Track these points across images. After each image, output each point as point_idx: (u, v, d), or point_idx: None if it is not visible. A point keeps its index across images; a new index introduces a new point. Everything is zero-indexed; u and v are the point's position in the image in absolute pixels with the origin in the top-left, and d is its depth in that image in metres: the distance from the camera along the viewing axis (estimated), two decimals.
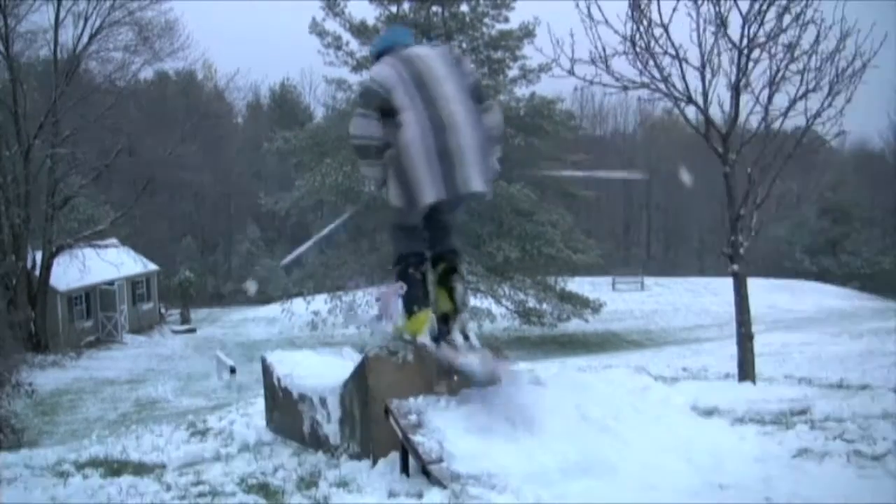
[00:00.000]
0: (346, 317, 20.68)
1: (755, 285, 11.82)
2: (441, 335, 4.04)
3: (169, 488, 4.15)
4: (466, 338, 4.06)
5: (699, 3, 7.37)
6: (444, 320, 4.04)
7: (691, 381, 8.20)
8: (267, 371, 5.81)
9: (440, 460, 3.44)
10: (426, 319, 3.98)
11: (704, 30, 7.41)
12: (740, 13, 7.33)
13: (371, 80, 3.84)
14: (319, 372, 5.36)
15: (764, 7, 7.27)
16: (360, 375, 4.26)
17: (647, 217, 55.17)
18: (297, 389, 5.17)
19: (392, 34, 4.19)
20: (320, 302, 25.07)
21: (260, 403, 6.65)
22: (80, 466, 5.22)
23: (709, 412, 5.03)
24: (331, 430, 4.67)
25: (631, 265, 46.03)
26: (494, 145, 3.95)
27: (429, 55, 3.86)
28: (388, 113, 3.73)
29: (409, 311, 4.00)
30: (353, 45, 26.44)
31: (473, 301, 24.41)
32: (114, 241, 27.83)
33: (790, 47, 7.29)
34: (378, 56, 4.01)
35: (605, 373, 6.15)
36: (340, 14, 25.96)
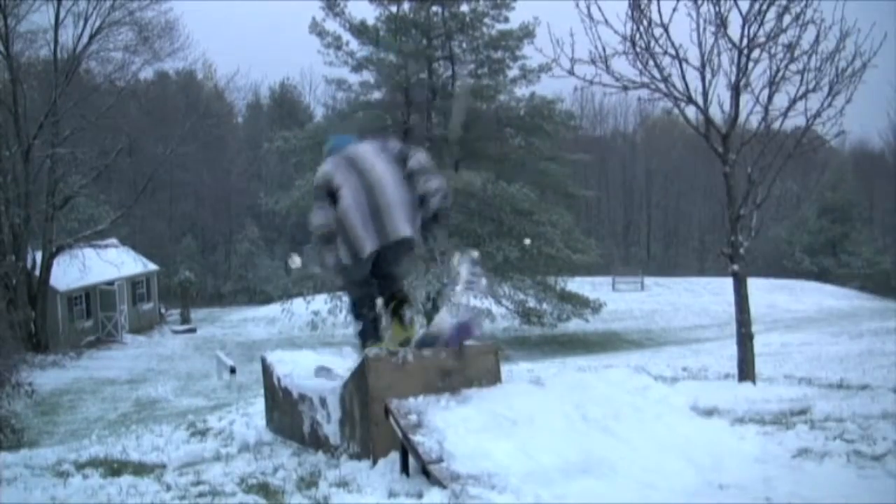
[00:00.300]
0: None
1: (755, 285, 11.82)
2: None
3: (169, 488, 4.15)
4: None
5: (699, 3, 7.36)
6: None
7: (691, 381, 8.23)
8: (267, 371, 5.81)
9: (440, 460, 3.45)
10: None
11: (704, 30, 7.39)
12: (740, 13, 7.31)
13: (317, 176, 4.71)
14: None
15: (764, 7, 7.25)
16: (360, 375, 4.26)
17: (647, 217, 55.17)
18: (297, 389, 5.17)
19: (337, 141, 5.01)
20: (320, 302, 25.04)
21: (260, 403, 6.65)
22: (80, 466, 5.21)
23: (709, 412, 5.04)
24: (331, 430, 4.67)
25: (631, 265, 46.01)
26: (425, 174, 4.56)
27: (362, 149, 4.70)
28: (333, 197, 4.52)
29: (363, 346, 4.66)
30: (353, 45, 26.39)
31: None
32: (114, 241, 27.83)
33: (790, 47, 7.27)
34: (328, 155, 4.86)
35: (605, 373, 6.12)
36: (340, 14, 25.91)
